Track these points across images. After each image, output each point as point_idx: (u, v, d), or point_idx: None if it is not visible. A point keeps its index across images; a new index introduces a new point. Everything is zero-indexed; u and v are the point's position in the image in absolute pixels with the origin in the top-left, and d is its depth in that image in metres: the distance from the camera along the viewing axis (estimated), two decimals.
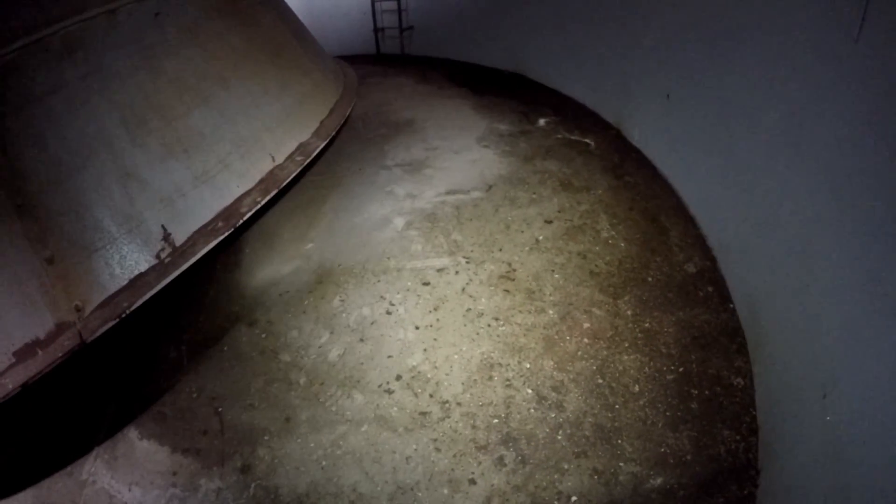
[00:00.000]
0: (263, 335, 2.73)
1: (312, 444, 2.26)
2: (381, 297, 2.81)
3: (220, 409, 2.44)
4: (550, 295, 2.71)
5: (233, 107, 2.67)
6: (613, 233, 3.07)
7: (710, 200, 2.96)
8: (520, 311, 2.64)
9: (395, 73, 5.71)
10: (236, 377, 2.56)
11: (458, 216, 3.28)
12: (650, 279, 2.78)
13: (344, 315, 2.76)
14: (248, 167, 2.64)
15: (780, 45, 2.24)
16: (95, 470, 2.31)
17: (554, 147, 3.93)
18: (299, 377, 2.51)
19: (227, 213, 2.49)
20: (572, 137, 4.04)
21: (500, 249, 3.00)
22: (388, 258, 3.04)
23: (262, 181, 2.64)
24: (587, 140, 3.99)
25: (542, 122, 4.28)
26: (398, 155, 3.98)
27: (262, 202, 2.57)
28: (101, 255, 2.17)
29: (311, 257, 3.14)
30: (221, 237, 2.41)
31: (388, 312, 2.73)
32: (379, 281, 2.90)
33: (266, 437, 2.31)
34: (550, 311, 2.63)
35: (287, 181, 2.71)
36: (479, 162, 3.80)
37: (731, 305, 2.63)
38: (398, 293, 2.82)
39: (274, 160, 2.75)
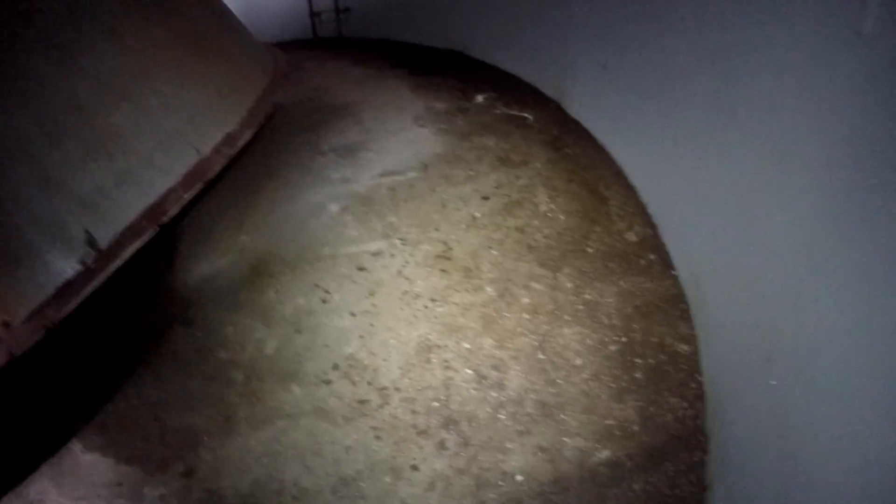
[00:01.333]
0: (200, 334, 2.61)
1: (253, 442, 2.19)
2: (316, 285, 2.70)
3: (159, 414, 2.36)
4: (488, 272, 2.64)
5: (154, 101, 2.51)
6: (552, 205, 3.01)
7: (650, 169, 2.92)
8: (457, 291, 2.57)
9: (332, 58, 5.53)
10: (174, 380, 2.47)
11: (393, 198, 3.18)
12: (590, 250, 2.73)
13: (279, 307, 2.65)
14: (172, 163, 2.49)
15: (716, 6, 2.18)
16: (43, 489, 2.24)
17: (492, 123, 3.85)
18: (237, 374, 2.42)
19: (153, 211, 2.35)
20: (511, 112, 3.95)
21: (437, 229, 2.91)
22: (323, 245, 2.92)
23: (187, 176, 2.50)
24: (525, 114, 3.92)
25: (479, 98, 4.18)
26: (333, 139, 3.84)
27: (188, 198, 2.43)
28: (25, 265, 2.03)
29: (246, 250, 3.00)
30: (147, 237, 2.28)
31: (324, 301, 2.63)
32: (314, 269, 2.79)
33: (207, 439, 2.24)
34: (488, 289, 2.56)
35: (214, 174, 2.57)
36: (416, 142, 3.70)
37: (674, 272, 2.60)
38: (333, 280, 2.71)
39: (199, 153, 2.60)
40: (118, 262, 2.20)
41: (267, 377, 2.39)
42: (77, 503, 2.18)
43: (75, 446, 2.35)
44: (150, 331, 2.68)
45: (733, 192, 2.00)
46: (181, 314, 2.72)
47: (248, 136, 2.83)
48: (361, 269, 2.74)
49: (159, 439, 2.28)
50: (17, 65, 2.14)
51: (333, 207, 3.17)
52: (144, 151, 2.41)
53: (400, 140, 3.73)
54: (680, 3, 2.46)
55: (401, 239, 2.87)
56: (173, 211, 2.40)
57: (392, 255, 2.78)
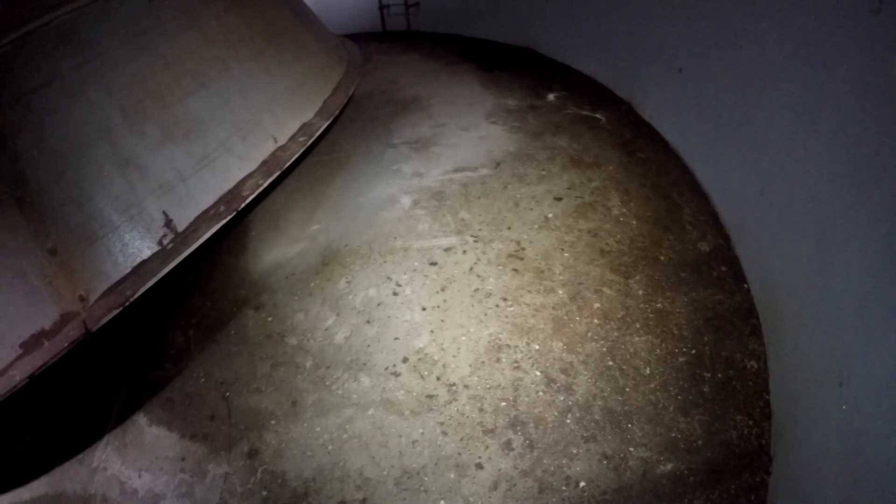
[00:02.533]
0: (270, 318, 2.70)
1: (319, 429, 2.24)
2: (388, 277, 2.77)
3: (227, 394, 2.43)
4: (560, 274, 2.66)
5: (232, 89, 2.61)
6: (625, 210, 3.00)
7: (724, 177, 2.88)
8: (528, 291, 2.59)
9: (402, 51, 5.59)
10: (243, 361, 2.54)
11: (465, 194, 3.22)
12: (662, 258, 2.71)
13: (350, 297, 2.72)
14: (250, 149, 2.58)
15: (797, 16, 2.14)
16: (106, 457, 2.32)
17: (563, 123, 3.84)
18: (306, 360, 2.49)
19: (229, 196, 2.44)
20: (582, 113, 3.94)
21: (509, 228, 2.94)
22: (395, 238, 2.98)
23: (264, 163, 2.59)
24: (598, 115, 3.89)
25: (551, 97, 4.17)
26: (405, 133, 3.90)
27: (265, 184, 2.52)
28: (104, 243, 2.15)
29: (317, 239, 3.09)
30: (223, 221, 2.37)
31: (395, 293, 2.69)
32: (385, 261, 2.86)
33: (273, 422, 2.29)
34: (560, 291, 2.58)
35: (290, 162, 2.65)
36: (487, 139, 3.72)
37: (746, 286, 2.56)
38: (405, 273, 2.77)
39: (276, 141, 2.69)
40: (194, 245, 2.30)
41: (336, 365, 2.45)
42: (139, 473, 2.25)
43: (141, 419, 2.43)
44: (221, 312, 2.79)
45: (813, 207, 1.96)
46: (252, 298, 2.82)
47: (323, 126, 2.91)
48: (433, 263, 2.79)
49: (225, 419, 2.36)
50: (101, 51, 2.26)
51: (405, 201, 3.23)
52: (222, 137, 2.51)
53: (471, 136, 3.77)
54: (760, 8, 2.42)
55: (473, 236, 2.91)
56: (250, 197, 2.48)
57: (464, 252, 2.83)
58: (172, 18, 2.52)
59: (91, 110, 2.21)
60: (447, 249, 2.86)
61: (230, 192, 2.46)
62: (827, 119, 1.89)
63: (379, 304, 2.66)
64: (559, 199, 3.10)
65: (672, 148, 3.48)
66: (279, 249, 3.08)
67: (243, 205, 2.45)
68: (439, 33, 6.05)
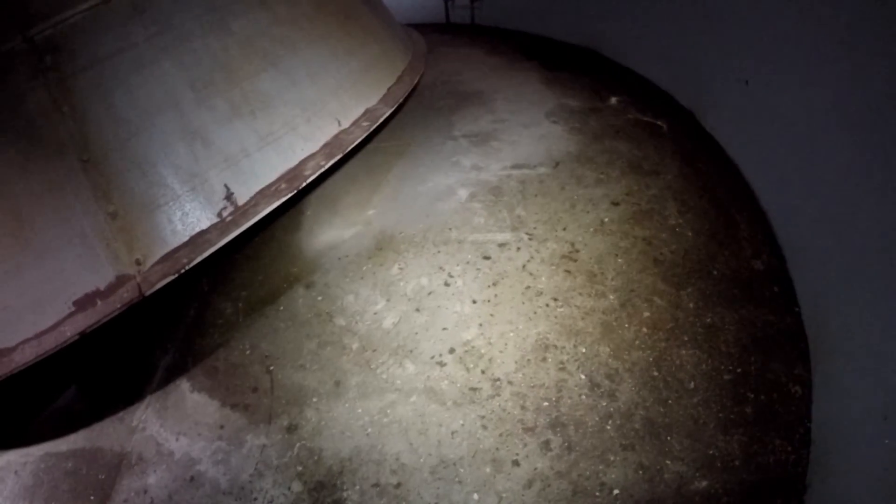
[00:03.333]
0: (320, 298, 2.80)
1: (360, 410, 2.32)
2: (441, 268, 2.84)
3: (271, 368, 2.53)
4: (612, 280, 2.69)
5: (300, 70, 2.69)
6: (681, 221, 3.00)
7: (784, 196, 2.85)
8: (579, 294, 2.63)
9: (464, 44, 5.62)
10: (290, 338, 2.64)
11: (522, 191, 3.26)
12: (715, 272, 2.72)
13: (402, 283, 2.80)
14: (314, 130, 2.66)
15: (874, 32, 2.10)
16: (146, 418, 2.45)
17: (624, 127, 3.83)
18: (352, 342, 2.57)
19: (291, 175, 2.53)
20: (644, 118, 3.92)
21: (564, 228, 2.98)
22: (450, 229, 3.05)
23: (327, 145, 2.67)
24: (659, 122, 3.87)
25: (613, 100, 4.16)
26: (465, 126, 3.95)
27: (327, 166, 2.60)
28: (164, 211, 2.26)
29: (373, 223, 3.18)
30: (284, 198, 2.46)
31: (447, 284, 2.76)
32: (439, 252, 2.93)
33: (315, 399, 2.38)
34: (611, 297, 2.61)
35: (352, 146, 2.72)
36: (547, 137, 3.75)
37: (797, 309, 2.55)
38: (457, 265, 2.84)
39: (340, 124, 2.77)
40: (253, 219, 2.37)
41: (382, 350, 2.53)
42: (177, 437, 2.35)
43: (184, 384, 2.54)
44: (272, 288, 2.90)
45: (872, 234, 1.94)
46: (304, 276, 2.92)
47: (387, 112, 2.97)
48: (486, 257, 2.85)
49: (268, 392, 2.45)
50: (174, 24, 2.36)
51: (462, 193, 3.29)
52: (288, 117, 2.59)
53: (531, 134, 3.79)
54: (830, 24, 2.38)
55: (528, 233, 2.95)
56: (312, 177, 2.56)
57: (518, 249, 2.88)
58: None
59: (161, 81, 2.32)
60: (501, 245, 2.91)
61: (292, 170, 2.55)
62: (890, 144, 1.87)
63: (430, 294, 2.73)
64: (616, 204, 3.11)
65: (733, 162, 3.45)
66: (334, 231, 3.17)
67: (304, 184, 2.53)
68: (502, 28, 6.05)
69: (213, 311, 2.83)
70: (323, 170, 2.62)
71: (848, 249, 2.15)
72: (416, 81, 3.34)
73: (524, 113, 4.04)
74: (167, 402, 2.49)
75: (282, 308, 2.79)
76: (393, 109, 3.02)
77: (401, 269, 2.88)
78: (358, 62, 3.03)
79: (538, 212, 3.10)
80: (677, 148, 3.60)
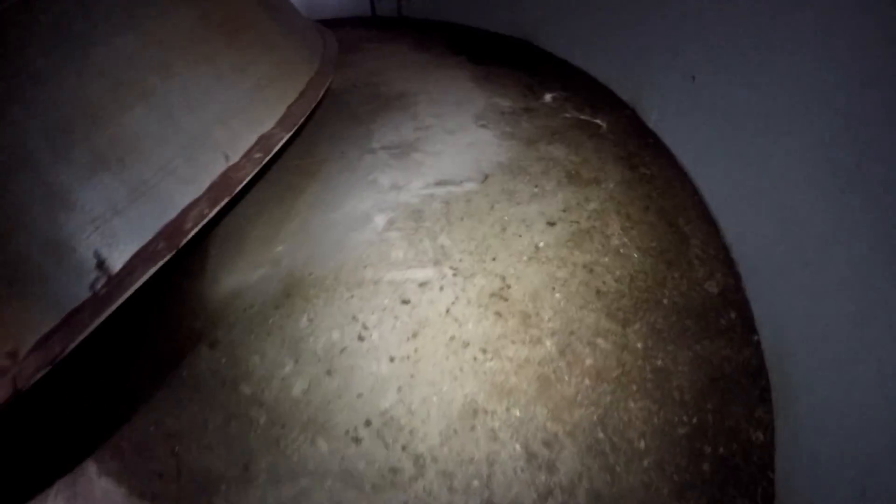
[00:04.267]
0: (224, 360, 2.39)
1: (272, 500, 1.97)
2: (354, 317, 2.45)
3: (177, 449, 2.15)
4: (549, 320, 2.34)
5: (177, 99, 2.25)
6: (626, 239, 2.67)
7: (736, 203, 2.55)
8: (512, 342, 2.28)
9: (391, 39, 5.18)
10: (195, 411, 2.25)
11: (447, 214, 2.88)
12: (665, 301, 2.40)
13: (311, 339, 2.41)
14: (196, 171, 2.23)
15: (828, 28, 1.79)
16: None
17: (561, 128, 3.48)
18: (260, 415, 2.19)
19: (171, 229, 2.11)
20: (582, 117, 3.58)
21: (494, 259, 2.61)
22: (365, 267, 2.66)
23: (212, 187, 2.25)
24: (598, 121, 3.53)
25: (548, 97, 3.80)
26: (386, 135, 3.55)
27: (212, 214, 2.18)
28: (29, 291, 1.84)
29: (281, 263, 2.77)
30: (163, 261, 2.04)
31: (361, 338, 2.37)
32: (352, 296, 2.54)
33: (223, 487, 2.02)
34: (548, 343, 2.27)
35: (242, 185, 2.31)
36: (476, 146, 3.37)
37: (756, 337, 2.26)
38: (373, 313, 2.45)
39: (228, 159, 2.34)
40: (131, 290, 1.98)
41: (291, 424, 2.16)
42: None
43: (90, 468, 2.18)
44: (173, 349, 2.49)
45: (839, 249, 1.65)
46: (207, 333, 2.51)
47: (284, 138, 2.55)
48: (405, 301, 2.47)
49: (175, 478, 2.09)
50: (19, 63, 1.89)
51: (379, 220, 2.90)
52: (164, 159, 2.16)
53: (458, 142, 3.41)
54: (783, 14, 2.07)
55: (452, 268, 2.58)
56: (195, 230, 2.15)
57: (441, 288, 2.50)
58: (108, 19, 2.15)
59: (10, 134, 1.86)
60: (422, 284, 2.54)
61: (171, 224, 2.13)
62: (864, 146, 1.56)
63: (342, 351, 2.35)
64: (552, 224, 2.76)
65: (680, 164, 3.13)
66: (239, 274, 2.75)
67: (185, 240, 2.11)
68: (432, 20, 5.63)
69: (116, 378, 2.42)
70: (208, 219, 2.20)
71: (809, 265, 1.87)
72: (321, 95, 2.92)
73: (450, 117, 3.65)
74: (76, 489, 2.13)
75: (185, 374, 2.38)
76: (292, 133, 2.59)
77: (310, 320, 2.48)
78: (251, 81, 2.59)
79: (464, 239, 2.72)
80: (619, 150, 3.27)
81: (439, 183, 3.07)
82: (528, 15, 4.65)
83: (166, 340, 2.51)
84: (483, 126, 3.53)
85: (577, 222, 2.77)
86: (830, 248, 1.73)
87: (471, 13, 5.29)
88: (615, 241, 2.66)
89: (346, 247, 2.78)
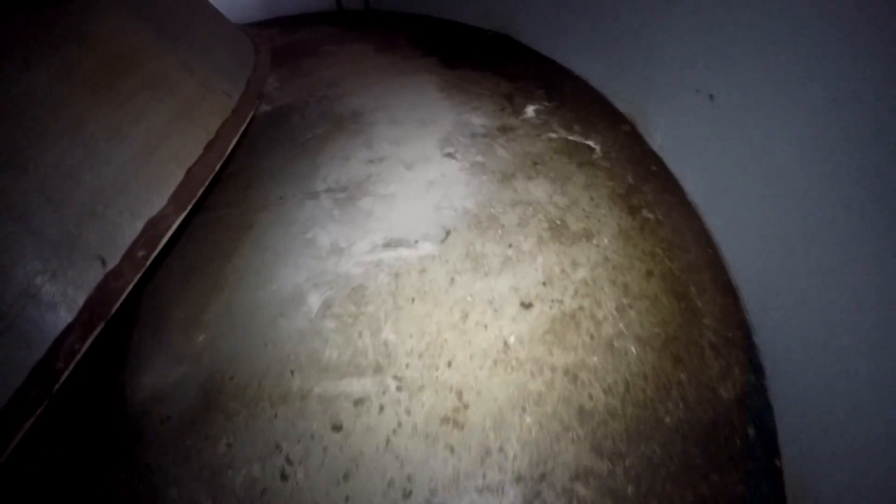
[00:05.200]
0: (141, 487, 1.91)
1: None
2: (278, 446, 1.93)
3: None
4: (515, 458, 1.80)
5: (34, 196, 1.71)
6: (622, 325, 2.10)
7: (763, 265, 1.96)
8: (465, 490, 1.75)
9: (354, 39, 4.50)
10: None
11: (395, 293, 2.32)
12: (668, 419, 1.85)
13: (230, 472, 1.90)
14: (65, 288, 1.72)
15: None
16: None
17: (545, 155, 2.86)
18: None
19: (40, 371, 1.62)
20: (571, 137, 2.94)
21: (450, 363, 2.06)
22: (292, 372, 2.12)
23: (87, 306, 1.73)
24: (591, 142, 2.90)
25: (530, 110, 3.16)
26: (333, 171, 2.95)
27: (85, 347, 1.67)
28: None
29: (202, 358, 2.24)
30: (39, 411, 1.55)
31: (284, 476, 1.86)
32: (276, 415, 2.01)
33: None
34: (511, 493, 1.73)
35: (125, 295, 1.77)
36: (438, 185, 2.77)
37: (779, 462, 1.72)
38: (299, 441, 1.93)
39: (105, 265, 1.81)
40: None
41: None
42: None
43: None
44: (89, 471, 2.00)
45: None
46: (124, 451, 2.02)
47: (177, 222, 2.00)
48: (337, 427, 1.94)
49: None
50: None
51: (314, 300, 2.35)
52: (23, 279, 1.63)
53: (417, 179, 2.81)
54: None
55: (396, 378, 2.04)
56: (67, 371, 1.64)
57: (381, 409, 1.96)
58: None
59: None
60: (358, 402, 2.00)
61: (41, 364, 1.62)
62: None
63: (263, 492, 1.84)
64: (528, 307, 2.19)
65: (690, 202, 2.52)
66: (158, 373, 2.24)
67: (58, 385, 1.61)
68: (402, 13, 4.90)
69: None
70: (83, 352, 1.68)
71: (859, 358, 1.32)
72: (230, 145, 2.33)
73: (411, 143, 3.04)
74: None
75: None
76: (186, 213, 2.03)
77: (229, 445, 1.97)
78: (134, 145, 2.03)
79: (414, 333, 2.17)
80: (615, 185, 2.66)
81: (389, 244, 2.50)
82: (506, 4, 3.93)
83: (80, 462, 2.02)
84: (449, 155, 2.91)
85: (560, 301, 2.19)
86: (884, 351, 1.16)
87: (443, 4, 4.56)
88: (608, 330, 2.09)
89: (274, 339, 2.24)
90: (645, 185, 2.65)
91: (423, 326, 2.16)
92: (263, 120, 3.39)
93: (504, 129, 3.05)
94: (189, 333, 2.34)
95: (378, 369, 2.06)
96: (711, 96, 2.29)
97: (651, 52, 2.68)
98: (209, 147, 2.20)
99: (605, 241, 2.41)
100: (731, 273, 2.22)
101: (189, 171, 2.10)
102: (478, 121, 3.13)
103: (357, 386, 2.02)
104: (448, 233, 2.50)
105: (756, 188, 1.94)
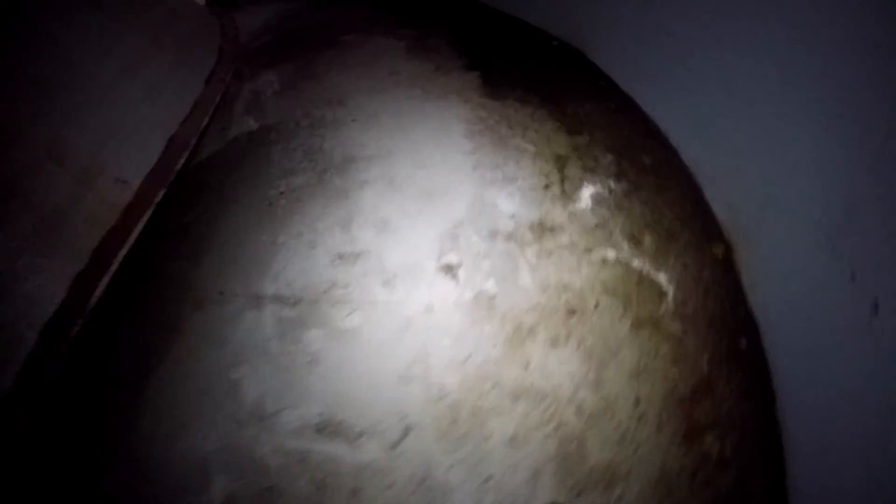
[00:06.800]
0: None
1: None
2: None
3: None
4: None
5: None
6: None
7: None
8: None
9: (388, 28, 3.42)
10: None
11: None
12: None
13: None
14: None
15: None
16: None
17: (589, 295, 1.92)
18: None
19: None
20: (635, 263, 1.97)
21: None
22: None
23: None
24: (661, 277, 1.93)
25: (586, 196, 2.17)
26: (289, 266, 2.16)
27: None
28: None
29: None
30: None
31: None
32: None
33: None
34: None
35: None
36: (419, 328, 1.92)
37: None
38: None
39: None
40: None
41: None
42: None
43: None
44: None
45: None
46: None
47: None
48: None
49: None
50: None
51: (216, 490, 1.71)
52: None
53: (391, 312, 1.99)
54: None
55: None
56: None
57: None
58: None
59: None
60: None
61: None
62: None
63: None
64: None
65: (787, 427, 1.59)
66: None
67: None
68: None
69: None
70: None
71: None
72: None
73: (403, 233, 2.18)
74: None
75: None
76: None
77: None
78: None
79: None
80: (679, 374, 1.74)
81: (324, 428, 1.75)
82: (586, 10, 2.71)
83: None
84: (448, 270, 2.03)
85: None
86: None
87: None
88: None
89: None
90: (723, 380, 1.70)
91: None
92: (244, 142, 2.63)
93: (542, 229, 2.09)
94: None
95: None
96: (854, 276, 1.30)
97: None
98: (104, 239, 1.50)
99: (633, 494, 1.55)
100: None
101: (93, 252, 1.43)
102: (507, 205, 2.18)
103: None
104: (406, 431, 1.71)
105: None
